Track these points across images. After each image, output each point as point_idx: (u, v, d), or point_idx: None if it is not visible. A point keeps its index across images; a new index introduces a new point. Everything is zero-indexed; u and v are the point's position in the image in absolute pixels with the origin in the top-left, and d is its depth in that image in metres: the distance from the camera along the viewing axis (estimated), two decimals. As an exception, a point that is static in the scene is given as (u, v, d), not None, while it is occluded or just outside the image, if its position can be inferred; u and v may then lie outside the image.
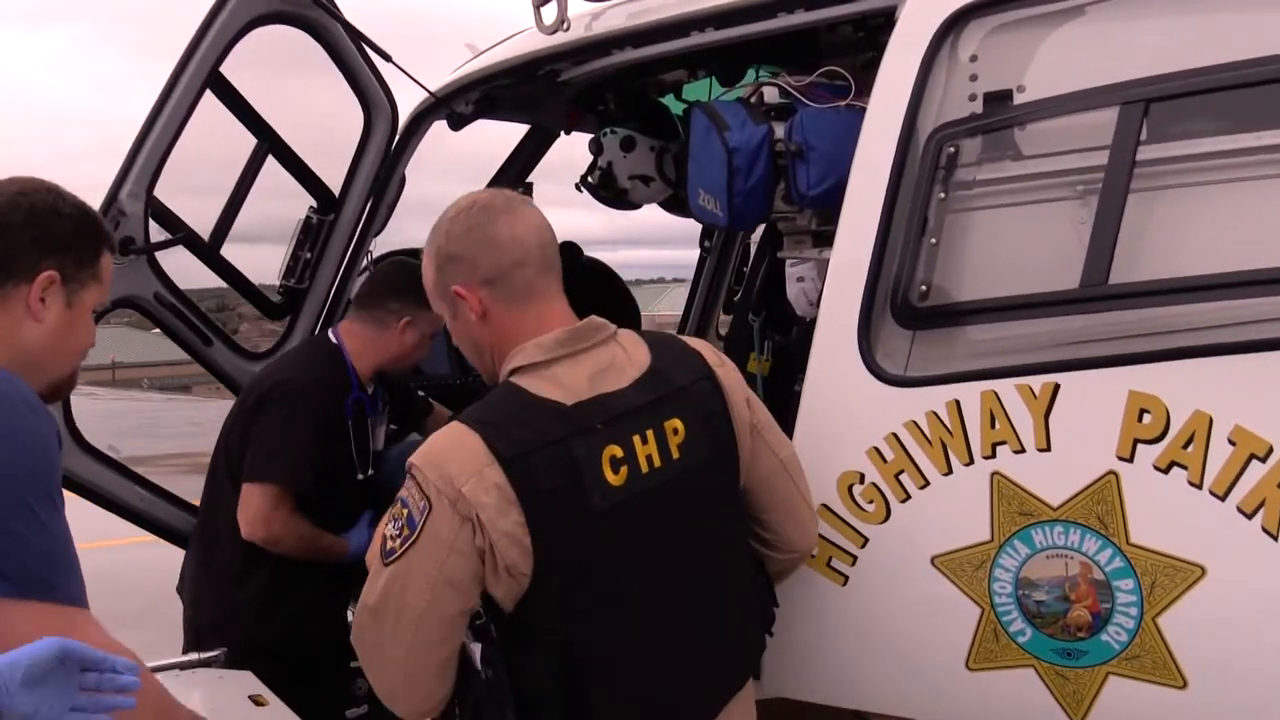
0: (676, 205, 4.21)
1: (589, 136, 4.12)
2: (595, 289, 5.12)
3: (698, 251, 5.56)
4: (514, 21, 3.72)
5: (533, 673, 1.89)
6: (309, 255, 3.75)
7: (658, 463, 1.97)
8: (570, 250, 5.08)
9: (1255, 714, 2.10)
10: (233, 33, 3.32)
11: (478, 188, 4.79)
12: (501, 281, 2.02)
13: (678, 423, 2.02)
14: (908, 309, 2.34)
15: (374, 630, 1.93)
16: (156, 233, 3.44)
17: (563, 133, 4.43)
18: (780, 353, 4.06)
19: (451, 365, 4.63)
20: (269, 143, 3.56)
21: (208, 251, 3.57)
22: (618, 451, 1.93)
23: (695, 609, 2.02)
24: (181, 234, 3.48)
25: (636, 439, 1.96)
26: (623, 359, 2.05)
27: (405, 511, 1.90)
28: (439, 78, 3.81)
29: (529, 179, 4.63)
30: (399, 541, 1.89)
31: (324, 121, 3.85)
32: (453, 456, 1.87)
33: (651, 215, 4.41)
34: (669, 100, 4.18)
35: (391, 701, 1.98)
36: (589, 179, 4.03)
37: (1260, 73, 2.06)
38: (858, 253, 2.41)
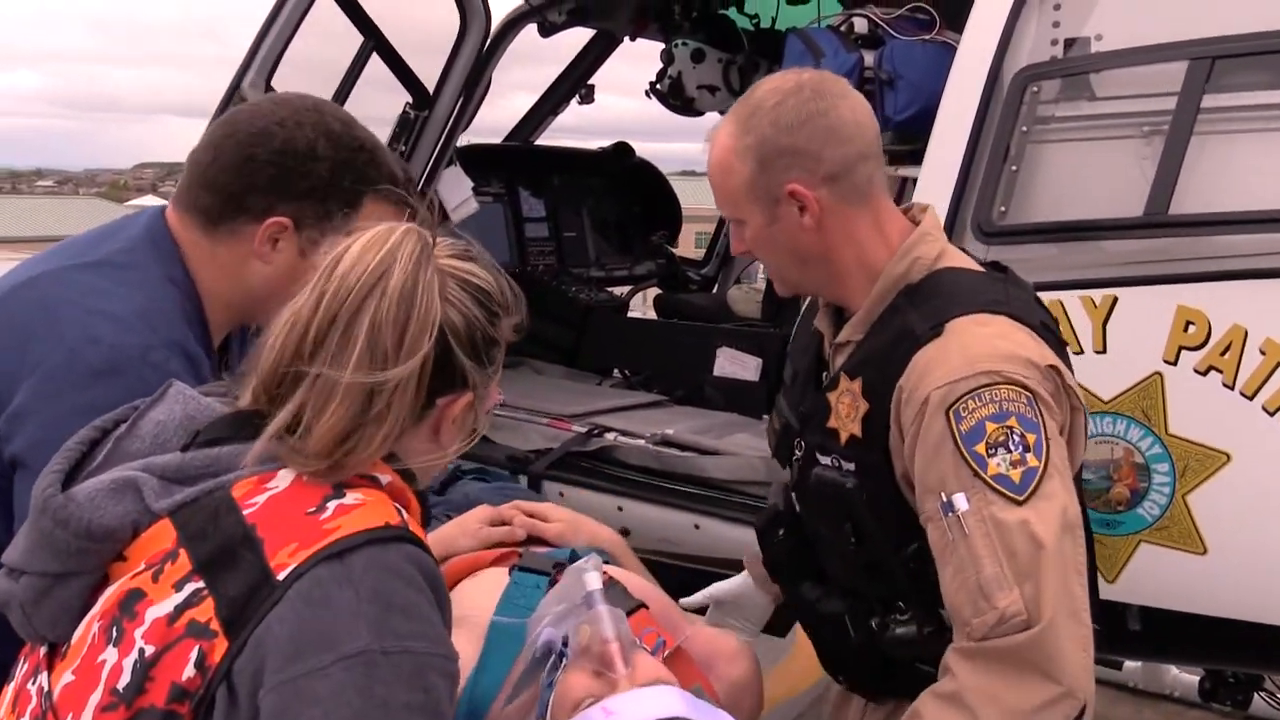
0: (736, 114, 4.51)
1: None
2: (648, 189, 5.46)
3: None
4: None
5: None
6: (404, 148, 4.05)
7: None
8: (623, 150, 5.40)
9: (1261, 576, 2.53)
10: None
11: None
12: (844, 178, 1.81)
13: None
14: (988, 225, 2.71)
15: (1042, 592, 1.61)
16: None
17: (626, 39, 4.71)
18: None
19: (512, 253, 4.95)
20: (375, 41, 3.84)
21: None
22: None
23: None
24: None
25: None
26: None
27: (1008, 425, 1.63)
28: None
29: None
30: (1034, 454, 1.63)
31: (419, 20, 4.11)
32: (1008, 340, 1.72)
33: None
34: (732, 13, 4.48)
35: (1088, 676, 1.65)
36: (658, 86, 4.33)
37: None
38: (944, 174, 2.76)
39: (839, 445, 1.85)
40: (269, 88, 3.61)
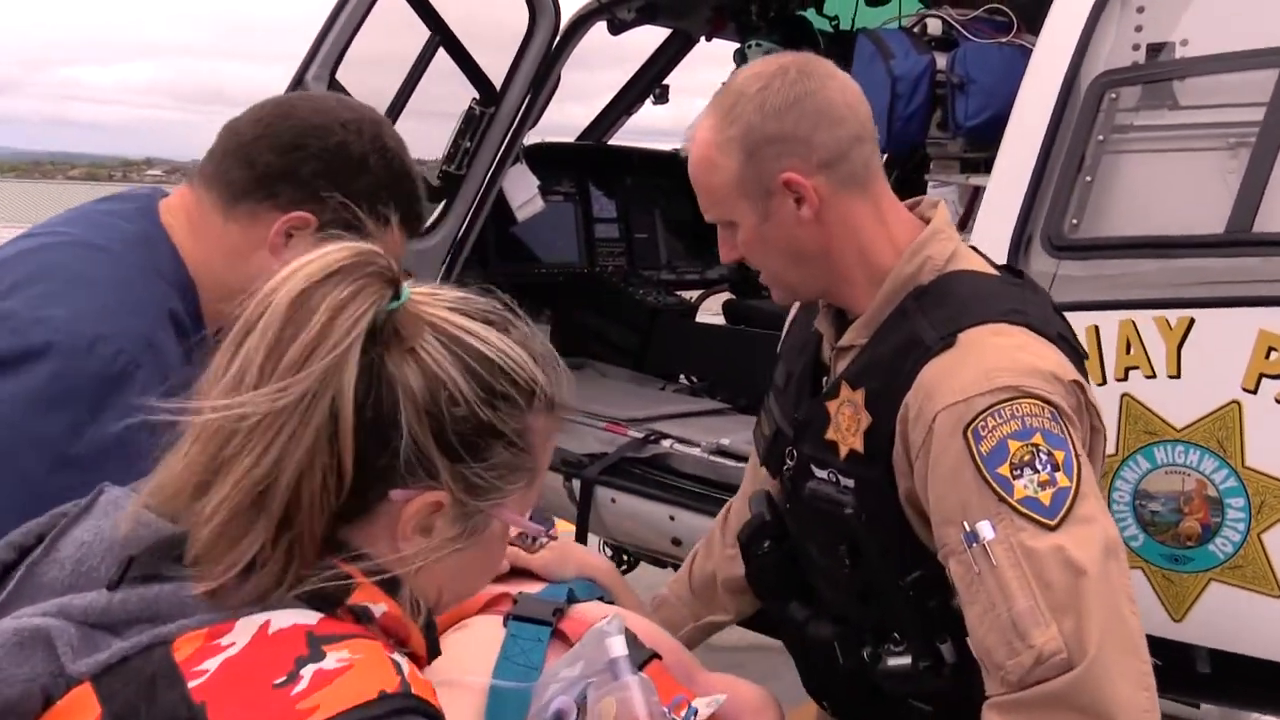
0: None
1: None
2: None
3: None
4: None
5: None
6: (468, 144, 4.01)
7: None
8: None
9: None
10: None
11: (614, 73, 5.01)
12: (840, 164, 1.67)
13: None
14: (1058, 238, 2.56)
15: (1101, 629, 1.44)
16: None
17: (703, 39, 4.63)
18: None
19: (581, 253, 4.88)
20: (441, 36, 3.80)
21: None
22: None
23: None
24: (358, 117, 3.74)
25: None
26: None
27: (1034, 444, 1.48)
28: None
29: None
30: (1064, 473, 1.48)
31: (486, 16, 4.07)
32: (1027, 352, 1.57)
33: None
34: (810, 14, 4.37)
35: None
36: (731, 87, 4.23)
37: None
38: (1014, 183, 2.63)
39: (838, 460, 1.71)
40: (333, 80, 3.60)
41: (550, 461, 3.36)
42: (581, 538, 3.80)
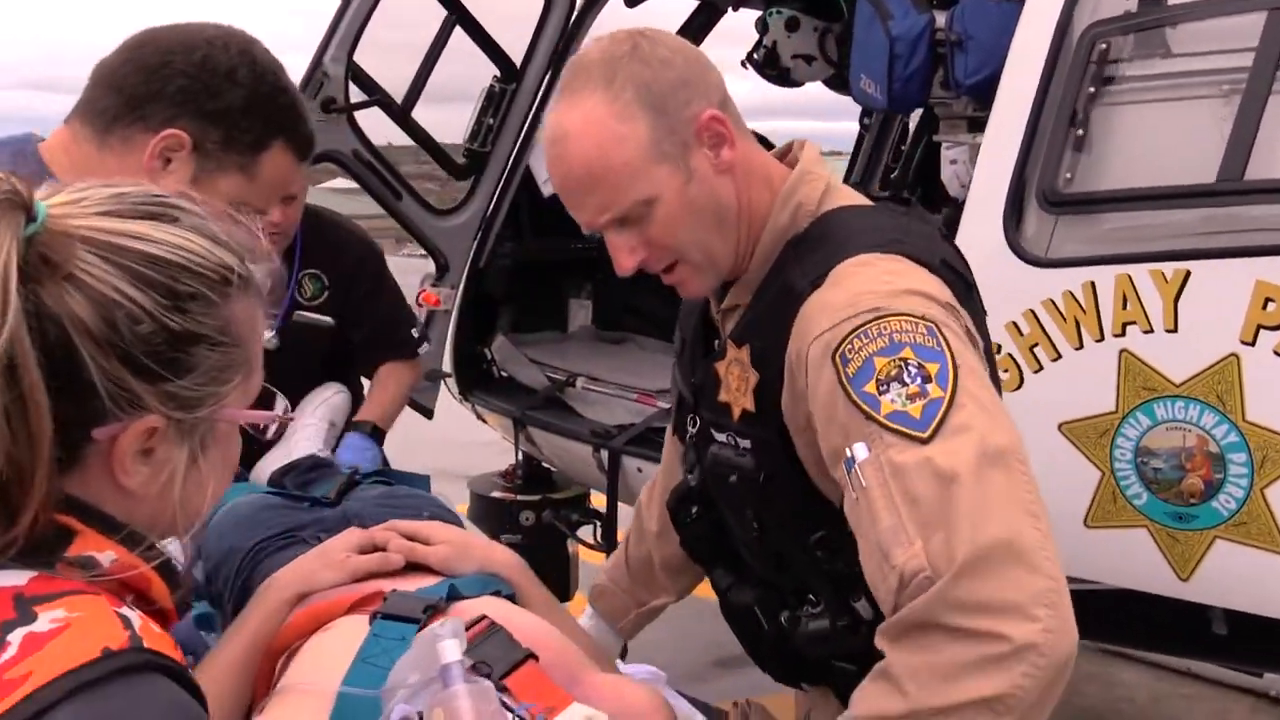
0: (839, 84, 4.37)
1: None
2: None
3: (856, 126, 5.68)
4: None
5: None
6: (491, 121, 4.05)
7: None
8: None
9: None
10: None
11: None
12: (729, 103, 1.59)
13: None
14: (1053, 194, 2.52)
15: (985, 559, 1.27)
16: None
17: (730, 9, 4.60)
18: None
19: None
20: (457, 15, 3.84)
21: (400, 113, 3.89)
22: None
23: None
24: (377, 96, 3.80)
25: None
26: None
27: (902, 358, 1.38)
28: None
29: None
30: (937, 384, 1.36)
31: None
32: (899, 276, 1.48)
33: (810, 87, 4.52)
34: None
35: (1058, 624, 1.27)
36: (754, 56, 4.21)
37: None
38: (1008, 140, 2.58)
39: (733, 421, 1.64)
40: (350, 62, 3.65)
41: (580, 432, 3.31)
42: (611, 505, 3.85)
